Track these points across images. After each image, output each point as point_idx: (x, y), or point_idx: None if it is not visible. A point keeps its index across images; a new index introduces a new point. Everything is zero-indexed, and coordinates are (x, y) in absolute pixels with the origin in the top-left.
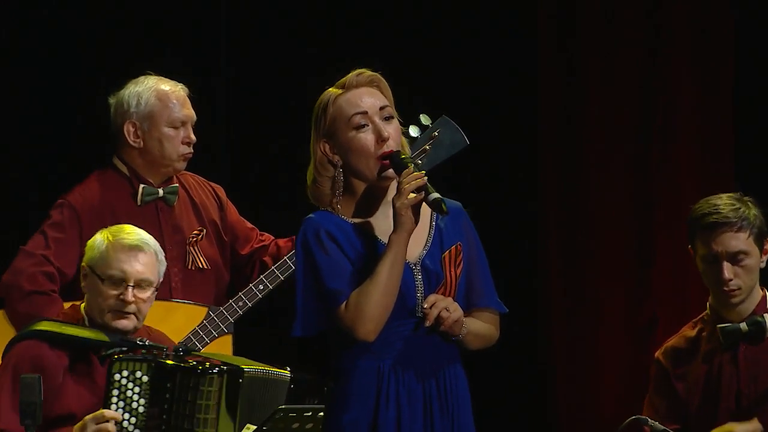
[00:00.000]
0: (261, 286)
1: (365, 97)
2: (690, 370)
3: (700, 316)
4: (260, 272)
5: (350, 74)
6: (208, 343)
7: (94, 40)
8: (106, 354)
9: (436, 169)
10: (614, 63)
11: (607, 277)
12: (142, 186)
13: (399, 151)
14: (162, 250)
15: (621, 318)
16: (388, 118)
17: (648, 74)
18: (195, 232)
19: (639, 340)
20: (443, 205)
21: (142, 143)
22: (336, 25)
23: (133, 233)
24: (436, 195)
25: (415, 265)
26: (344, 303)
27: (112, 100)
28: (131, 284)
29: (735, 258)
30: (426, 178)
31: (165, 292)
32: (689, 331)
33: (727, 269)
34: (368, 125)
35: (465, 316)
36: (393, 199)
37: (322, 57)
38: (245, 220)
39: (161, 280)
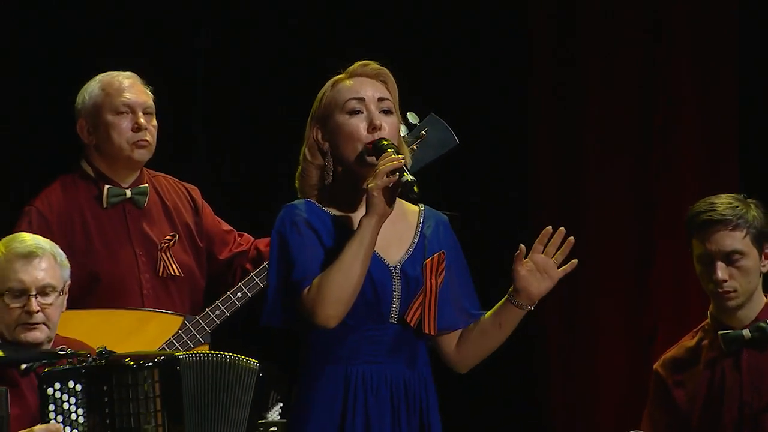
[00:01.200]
0: (239, 294)
1: (366, 86)
2: (690, 379)
3: (701, 325)
4: (241, 280)
5: (356, 63)
6: None
7: (71, 41)
8: (27, 368)
9: (424, 170)
10: (613, 61)
11: (604, 285)
12: (107, 187)
13: (385, 138)
14: (62, 252)
15: (619, 328)
16: (386, 112)
17: (648, 72)
18: (167, 237)
19: (638, 351)
20: (415, 187)
21: (94, 139)
22: (325, 21)
23: (27, 239)
24: (410, 177)
25: (394, 269)
26: (308, 287)
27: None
28: (33, 293)
29: (730, 258)
30: (404, 161)
31: (136, 300)
32: (689, 341)
33: (721, 269)
34: (362, 112)
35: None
36: (368, 180)
37: (309, 54)
38: (222, 222)
39: (68, 282)
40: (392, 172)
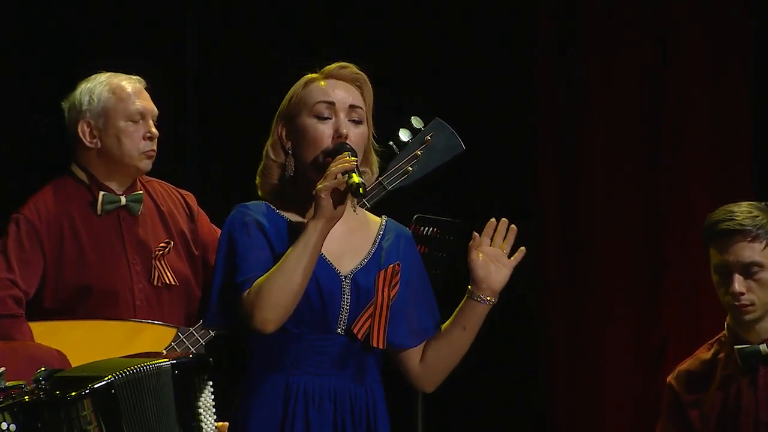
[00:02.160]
0: None
1: (339, 90)
2: (705, 396)
3: (717, 337)
4: None
5: (334, 64)
6: None
7: (57, 39)
8: None
9: (428, 177)
10: (618, 60)
11: (612, 296)
12: (102, 193)
13: (345, 143)
14: None
15: (628, 341)
16: (356, 121)
17: (656, 71)
18: (162, 244)
19: (648, 365)
20: (361, 190)
21: (99, 143)
22: (323, 21)
23: None
24: (357, 178)
25: (345, 279)
26: (248, 289)
27: (65, 104)
28: None
29: (748, 270)
30: (356, 162)
31: (128, 311)
32: (704, 354)
33: (738, 282)
34: (330, 118)
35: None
36: (317, 182)
37: (308, 55)
38: (218, 229)
39: None
40: (342, 173)
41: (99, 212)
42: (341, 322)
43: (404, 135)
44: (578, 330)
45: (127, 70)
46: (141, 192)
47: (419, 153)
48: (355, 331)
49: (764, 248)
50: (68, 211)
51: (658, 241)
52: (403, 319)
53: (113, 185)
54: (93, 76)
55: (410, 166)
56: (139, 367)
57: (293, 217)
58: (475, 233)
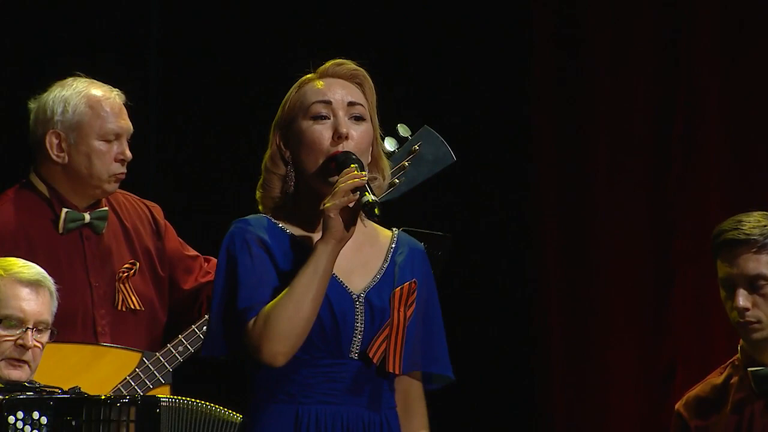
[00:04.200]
0: (205, 328)
1: (336, 88)
2: (715, 421)
3: (730, 360)
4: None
5: (329, 62)
6: None
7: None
8: None
9: (416, 189)
10: (624, 60)
11: (617, 315)
12: (65, 210)
13: (351, 152)
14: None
15: (634, 364)
16: (357, 118)
17: (666, 72)
18: (126, 265)
19: (655, 390)
20: (376, 209)
21: (66, 158)
22: (309, 21)
23: (29, 265)
24: (371, 197)
25: (358, 298)
26: (254, 318)
27: (32, 105)
28: (30, 326)
29: (753, 284)
30: (366, 178)
31: (89, 338)
32: (716, 378)
33: (743, 296)
34: (329, 118)
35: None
36: (325, 200)
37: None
38: (186, 246)
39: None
40: (353, 190)
41: (61, 230)
42: (355, 346)
43: (390, 144)
44: (579, 352)
45: (86, 69)
46: (106, 208)
47: (406, 164)
48: (370, 355)
49: None
50: (26, 228)
51: (666, 256)
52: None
53: (76, 200)
54: (69, 82)
55: (396, 178)
56: (185, 399)
57: (298, 232)
58: None
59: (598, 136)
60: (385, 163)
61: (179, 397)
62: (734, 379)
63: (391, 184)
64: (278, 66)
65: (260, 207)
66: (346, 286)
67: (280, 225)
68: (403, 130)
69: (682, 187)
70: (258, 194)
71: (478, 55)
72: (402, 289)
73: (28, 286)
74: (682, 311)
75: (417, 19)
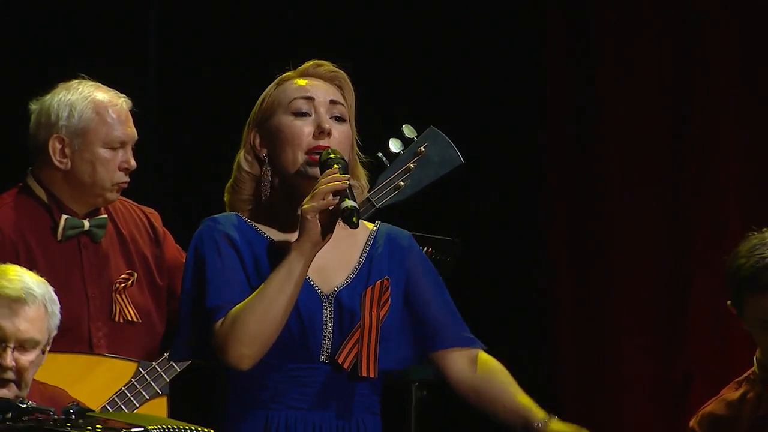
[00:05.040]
0: None
1: (317, 87)
2: None
3: (745, 374)
4: None
5: (308, 63)
6: (137, 407)
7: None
8: None
9: (421, 192)
10: (637, 60)
11: (631, 326)
12: (65, 217)
13: (337, 150)
14: (55, 297)
15: (648, 377)
16: (338, 118)
17: (681, 73)
18: (123, 276)
19: (669, 402)
20: (354, 218)
21: (69, 164)
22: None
23: (15, 278)
24: (350, 203)
25: (327, 298)
26: (221, 319)
27: (34, 106)
28: (11, 345)
29: None
30: (348, 182)
31: (84, 350)
32: (731, 394)
33: None
34: (310, 115)
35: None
36: (303, 201)
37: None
38: (184, 252)
39: (54, 334)
40: (333, 194)
41: (59, 238)
42: (325, 350)
43: (395, 146)
44: (591, 364)
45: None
46: (105, 216)
47: (412, 166)
48: (339, 360)
49: None
50: (24, 235)
51: (682, 262)
52: (420, 331)
53: (75, 207)
54: (74, 84)
55: (402, 181)
56: (175, 427)
57: (271, 233)
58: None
59: (612, 139)
60: (362, 170)
61: (166, 425)
62: (750, 395)
63: (396, 187)
64: (280, 71)
65: (227, 209)
66: (317, 287)
67: (252, 224)
68: (408, 130)
69: (699, 189)
70: (226, 197)
71: (487, 54)
72: (373, 288)
73: (10, 302)
74: (699, 320)
75: (426, 18)
